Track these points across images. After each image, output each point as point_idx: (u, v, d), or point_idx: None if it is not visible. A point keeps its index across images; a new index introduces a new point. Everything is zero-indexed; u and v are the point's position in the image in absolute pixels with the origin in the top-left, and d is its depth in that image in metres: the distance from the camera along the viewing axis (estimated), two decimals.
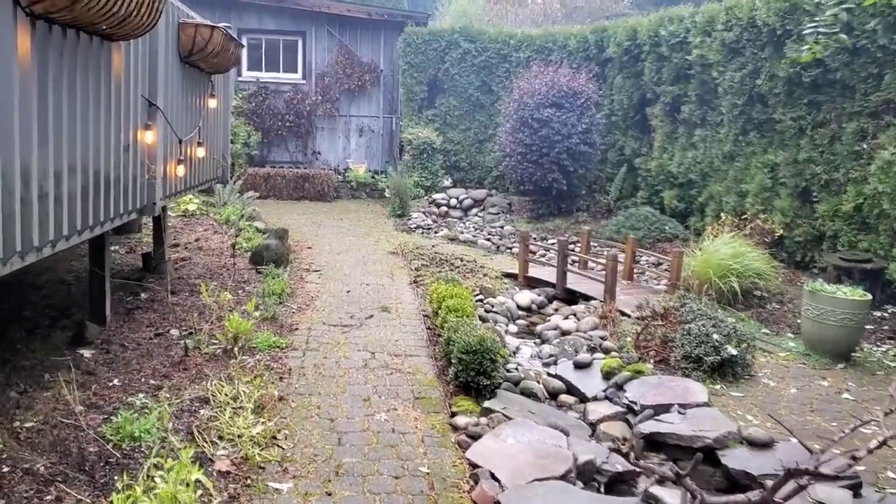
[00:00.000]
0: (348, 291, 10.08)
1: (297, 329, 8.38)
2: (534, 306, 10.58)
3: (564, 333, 9.07)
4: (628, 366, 7.69)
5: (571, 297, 10.87)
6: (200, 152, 8.59)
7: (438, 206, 18.10)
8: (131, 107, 6.21)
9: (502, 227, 15.83)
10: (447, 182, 19.33)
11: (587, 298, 10.59)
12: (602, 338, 8.79)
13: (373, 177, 19.85)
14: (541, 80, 15.76)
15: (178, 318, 8.26)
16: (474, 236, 14.94)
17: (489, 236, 15.25)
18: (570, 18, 33.27)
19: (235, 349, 7.34)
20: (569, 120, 15.39)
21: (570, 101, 15.58)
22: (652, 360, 8.23)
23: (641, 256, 12.69)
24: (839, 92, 11.14)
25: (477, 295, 10.40)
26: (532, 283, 11.53)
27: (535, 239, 14.85)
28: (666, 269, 12.54)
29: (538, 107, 15.43)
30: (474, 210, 18.07)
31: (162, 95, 6.88)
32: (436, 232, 15.29)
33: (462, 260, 12.65)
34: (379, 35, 20.32)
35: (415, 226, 15.68)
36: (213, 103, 9.27)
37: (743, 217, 12.52)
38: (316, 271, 11.14)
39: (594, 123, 15.87)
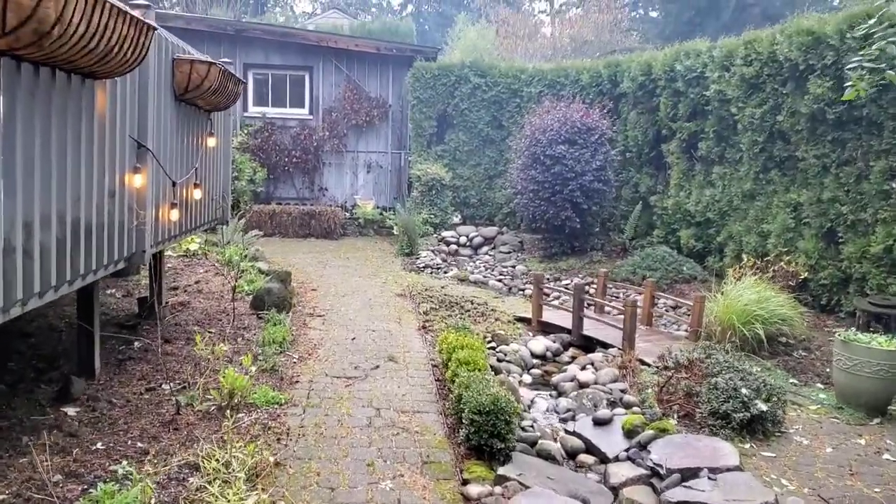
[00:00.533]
0: (353, 339, 9.58)
1: (297, 381, 7.87)
2: (549, 354, 10.06)
3: (582, 385, 8.53)
4: (652, 423, 7.15)
5: (588, 344, 10.35)
6: (197, 194, 8.16)
7: (448, 244, 17.64)
8: (118, 149, 5.78)
9: (514, 267, 15.35)
10: (456, 219, 18.90)
11: (605, 346, 10.07)
12: (622, 390, 8.26)
13: (381, 213, 19.44)
14: (553, 116, 15.36)
15: (171, 371, 7.77)
16: (485, 277, 14.45)
17: (500, 277, 14.77)
18: (579, 52, 33.20)
19: (231, 406, 6.84)
20: (582, 157, 14.96)
21: (584, 137, 15.16)
22: (675, 415, 7.70)
23: (659, 299, 12.18)
24: (865, 129, 10.67)
25: (489, 342, 9.90)
26: (546, 328, 11.02)
27: (548, 280, 14.35)
28: (685, 313, 12.03)
29: (551, 143, 15.02)
30: (484, 248, 17.60)
31: (153, 136, 6.45)
32: (445, 272, 14.81)
33: (472, 302, 12.16)
34: (387, 70, 20.02)
35: (423, 265, 15.21)
36: (211, 142, 8.86)
37: (765, 259, 11.99)
38: (320, 316, 10.66)
39: (608, 160, 15.43)
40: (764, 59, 12.43)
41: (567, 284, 13.98)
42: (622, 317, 10.85)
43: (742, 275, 11.45)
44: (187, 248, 13.82)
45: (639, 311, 11.19)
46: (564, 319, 10.99)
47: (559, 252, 15.72)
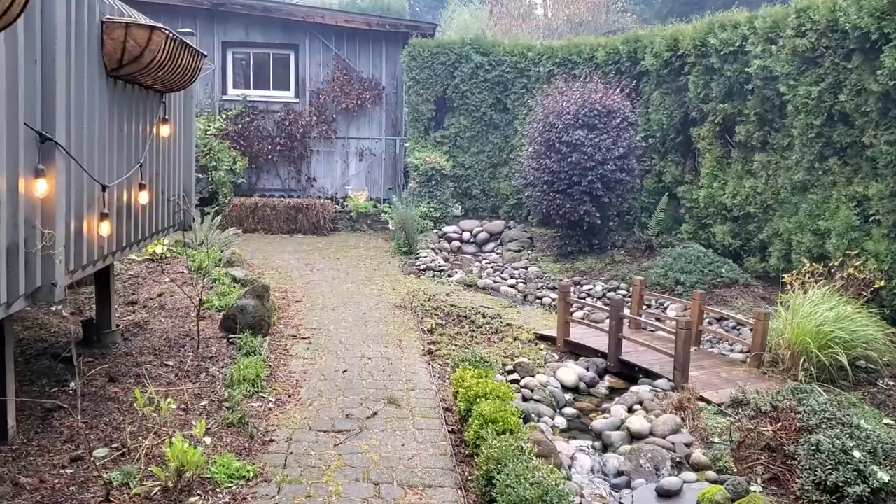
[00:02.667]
0: (345, 371, 7.81)
1: (272, 441, 6.11)
2: (582, 384, 8.32)
3: (635, 437, 6.79)
4: (738, 502, 5.41)
5: (628, 372, 8.61)
6: (143, 197, 6.35)
7: (450, 240, 15.88)
8: (4, 144, 3.99)
9: (526, 269, 13.57)
10: (457, 210, 17.12)
11: (650, 375, 8.33)
12: (688, 444, 6.53)
13: (374, 206, 17.65)
14: (569, 97, 13.56)
15: (109, 427, 6.01)
16: (495, 282, 12.68)
17: (512, 280, 12.99)
18: (575, 33, 31.79)
19: (179, 488, 5.08)
20: (603, 143, 13.17)
21: (604, 121, 13.37)
22: (760, 479, 5.98)
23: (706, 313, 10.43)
24: None
25: (509, 371, 8.15)
26: (574, 349, 9.29)
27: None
28: (735, 327, 10.30)
29: (567, 128, 13.22)
30: (490, 245, 15.83)
31: (67, 124, 4.65)
32: (449, 275, 13.04)
33: (484, 315, 10.40)
34: (380, 48, 18.16)
35: (424, 266, 13.43)
36: (165, 130, 7.05)
37: (826, 263, 10.25)
38: (304, 339, 8.88)
39: (632, 147, 13.64)
40: (821, 29, 10.65)
41: (589, 290, 12.23)
42: (663, 334, 9.14)
43: (803, 282, 9.72)
44: (153, 252, 12.01)
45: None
46: (595, 338, 9.25)
47: (576, 250, 13.96)
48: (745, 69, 12.21)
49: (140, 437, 5.70)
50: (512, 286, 12.40)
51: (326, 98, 17.86)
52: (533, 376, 8.01)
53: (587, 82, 14.04)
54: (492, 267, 13.92)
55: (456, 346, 8.93)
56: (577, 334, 9.38)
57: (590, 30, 32.07)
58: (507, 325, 10.13)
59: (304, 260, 13.76)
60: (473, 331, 9.68)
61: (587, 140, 13.11)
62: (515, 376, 7.98)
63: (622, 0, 38.24)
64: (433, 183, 16.38)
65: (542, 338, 9.64)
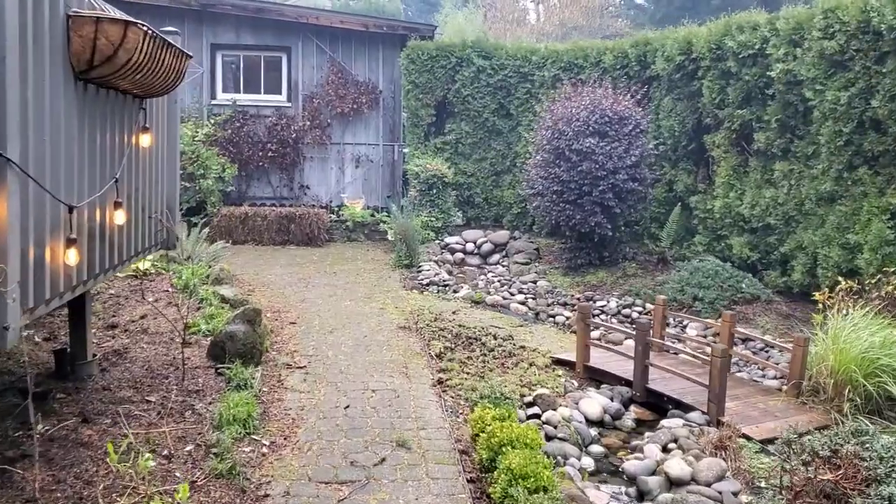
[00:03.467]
0: (347, 407, 7.06)
1: (267, 496, 5.35)
2: (607, 417, 7.60)
3: (674, 483, 6.05)
4: None
5: (656, 401, 7.89)
6: (119, 217, 5.60)
7: (453, 251, 15.14)
8: None
9: (535, 283, 12.84)
10: (459, 220, 16.38)
11: (681, 406, 7.62)
12: (735, 493, 5.81)
13: (372, 215, 16.90)
14: (580, 103, 12.85)
15: (81, 479, 5.25)
16: (504, 299, 11.94)
17: (522, 296, 12.26)
18: (568, 37, 31.36)
19: None
20: (615, 151, 12.46)
21: (616, 128, 12.66)
22: None
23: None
24: None
25: (529, 405, 7.41)
26: (595, 375, 8.57)
27: (580, 300, 11.89)
28: (763, 349, 9.60)
29: (578, 135, 12.50)
30: (495, 256, 15.10)
31: (20, 136, 3.90)
32: (455, 290, 12.29)
33: (496, 337, 9.67)
34: (377, 50, 17.42)
35: (427, 281, 12.69)
36: (146, 140, 6.29)
37: (858, 279, 9.55)
38: (300, 368, 8.13)
39: (644, 155, 12.94)
40: (851, 31, 9.99)
41: (603, 306, 11.51)
42: (688, 357, 8.43)
43: (836, 302, 9.02)
44: (136, 268, 11.23)
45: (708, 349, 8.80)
46: (618, 363, 8.53)
47: (585, 263, 13.24)
48: (766, 73, 11.55)
49: (115, 495, 4.94)
50: (522, 303, 11.67)
51: (320, 102, 17.11)
52: (555, 409, 7.28)
53: (596, 87, 13.32)
54: (499, 281, 13.18)
55: (468, 373, 8.19)
56: (598, 359, 8.65)
57: (583, 34, 31.70)
58: (521, 347, 9.40)
59: (298, 274, 13.00)
60: (485, 355, 8.95)
61: (598, 148, 12.40)
62: (536, 410, 7.24)
63: (615, 5, 37.99)
64: (434, 191, 15.64)
65: (560, 362, 8.91)
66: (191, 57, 6.26)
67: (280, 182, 17.35)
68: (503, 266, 14.51)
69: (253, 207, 16.23)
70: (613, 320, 11.14)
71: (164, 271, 11.52)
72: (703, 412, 7.29)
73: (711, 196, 13.07)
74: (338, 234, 16.54)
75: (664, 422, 7.28)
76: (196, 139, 15.95)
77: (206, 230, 13.20)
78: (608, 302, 11.57)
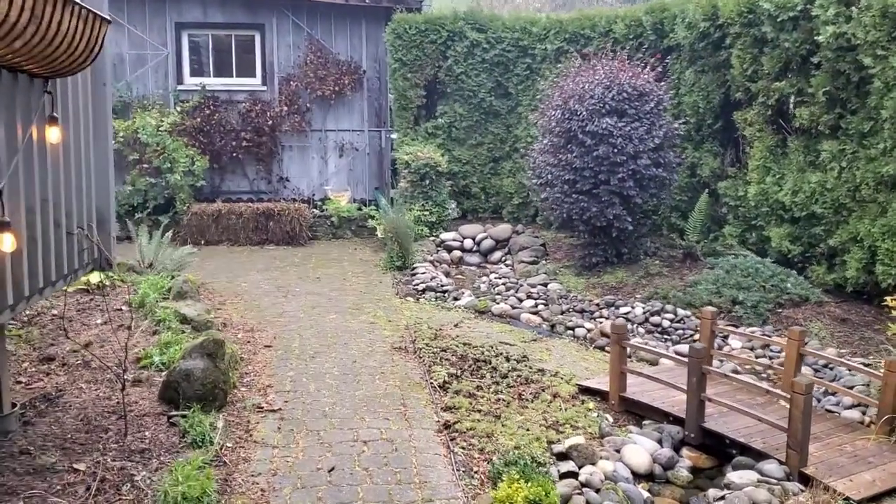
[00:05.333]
0: (331, 470, 5.50)
1: None
2: (657, 468, 6.07)
3: None
4: None
5: (713, 443, 6.36)
6: (5, 243, 3.99)
7: (449, 249, 13.58)
8: None
9: (545, 286, 11.28)
10: (454, 212, 14.80)
11: (747, 451, 6.08)
12: None
13: (359, 209, 15.30)
14: (593, 77, 11.26)
15: None
16: (513, 307, 10.35)
17: (532, 302, 10.68)
18: (560, 9, 29.73)
19: None
20: (635, 133, 10.89)
21: (636, 105, 11.10)
22: None
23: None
24: None
25: (561, 457, 5.86)
26: (634, 408, 7.03)
27: (598, 306, 10.34)
28: (826, 366, 8.08)
29: (592, 115, 10.91)
30: (497, 254, 13.55)
31: None
32: (455, 298, 10.71)
33: (508, 358, 8.12)
34: (359, 25, 15.76)
35: (423, 286, 11.12)
36: (54, 135, 4.68)
37: None
38: (275, 410, 6.55)
39: (668, 136, 11.37)
40: None
41: (627, 313, 9.97)
42: (738, 381, 6.93)
43: None
44: (87, 281, 9.63)
45: (766, 366, 7.33)
46: (661, 393, 6.99)
47: (602, 261, 11.69)
48: (811, 38, 9.97)
49: None
50: (534, 311, 10.07)
51: (298, 85, 15.46)
52: (594, 464, 5.74)
53: (611, 59, 11.71)
54: (503, 284, 11.60)
55: (480, 411, 6.64)
56: (636, 387, 7.10)
57: (571, 5, 30.10)
58: (539, 370, 7.85)
59: (277, 281, 11.41)
60: (497, 383, 7.40)
61: (616, 129, 10.82)
62: (571, 465, 5.69)
63: None
64: (427, 182, 14.04)
65: (588, 391, 7.35)
66: (109, 22, 4.64)
67: (257, 174, 15.72)
68: (507, 266, 12.95)
69: (227, 204, 14.60)
70: (640, 329, 9.61)
71: (121, 283, 9.94)
72: (780, 461, 5.77)
73: (744, 181, 11.53)
74: (322, 231, 14.94)
75: (732, 476, 5.75)
76: (161, 129, 14.31)
77: (173, 231, 11.64)
78: (633, 308, 10.02)
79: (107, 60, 5.65)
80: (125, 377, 6.77)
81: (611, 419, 6.86)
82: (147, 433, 5.88)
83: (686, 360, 6.36)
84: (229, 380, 6.78)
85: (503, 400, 6.98)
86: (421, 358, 7.97)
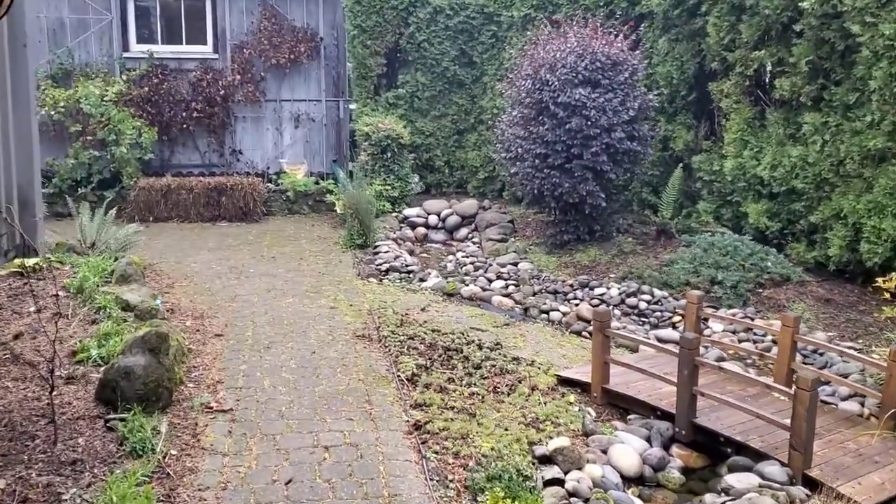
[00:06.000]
0: (288, 482, 4.90)
1: None
2: (647, 469, 5.57)
3: None
4: None
5: (707, 440, 5.88)
6: None
7: (413, 226, 12.99)
8: None
9: (515, 266, 10.73)
10: (416, 186, 14.16)
11: (743, 449, 5.61)
12: None
13: (316, 182, 14.60)
14: (565, 45, 10.66)
15: None
16: (483, 289, 9.76)
17: (502, 283, 10.13)
18: None
19: None
20: (609, 104, 10.35)
21: (609, 75, 10.54)
22: None
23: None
24: None
25: (544, 461, 5.33)
26: (617, 401, 6.53)
27: (570, 287, 9.82)
28: (815, 351, 7.67)
29: (565, 85, 10.34)
30: (463, 231, 12.98)
31: None
32: (421, 279, 10.11)
33: (481, 346, 7.56)
34: None
35: (386, 266, 10.51)
36: None
37: None
38: (225, 412, 5.92)
39: (643, 108, 10.85)
40: None
41: (602, 295, 9.47)
42: (732, 371, 6.48)
43: None
44: (22, 264, 8.85)
45: (764, 356, 6.90)
46: (646, 385, 6.50)
47: (573, 239, 11.18)
48: (795, 5, 9.47)
49: None
50: (505, 294, 9.50)
51: (252, 52, 14.63)
52: (581, 468, 5.22)
53: (582, 27, 11.12)
54: (472, 263, 11.03)
55: (453, 408, 6.08)
56: (619, 378, 6.59)
57: None
58: (514, 359, 7.31)
59: (230, 261, 10.72)
60: (470, 374, 6.84)
61: (590, 101, 10.26)
62: (556, 471, 5.16)
63: None
64: (389, 155, 13.37)
65: (568, 382, 6.84)
66: None
67: (209, 147, 14.91)
68: (474, 243, 12.39)
69: (177, 178, 13.80)
70: (616, 311, 9.11)
71: (59, 265, 9.18)
72: (782, 462, 5.31)
73: (719, 155, 11.07)
74: (277, 207, 14.22)
75: (730, 479, 5.27)
76: (105, 99, 13.41)
77: (119, 208, 10.89)
78: (608, 289, 9.52)
79: (26, 16, 4.92)
80: (58, 374, 6.13)
81: (594, 413, 6.36)
82: (80, 440, 5.23)
83: (677, 350, 5.85)
84: (175, 376, 6.13)
85: (477, 394, 6.43)
86: (387, 347, 7.38)
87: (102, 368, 6.08)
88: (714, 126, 11.55)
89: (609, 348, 6.50)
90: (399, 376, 6.68)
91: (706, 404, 6.04)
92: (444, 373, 6.84)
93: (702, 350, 7.32)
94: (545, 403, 6.32)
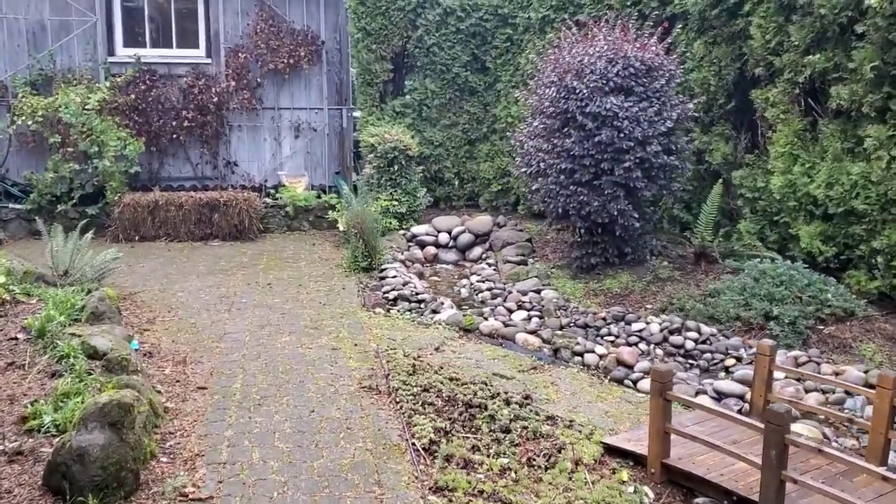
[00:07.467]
0: None
1: None
2: None
3: None
4: None
5: None
6: None
7: (422, 245, 11.94)
8: None
9: (539, 293, 9.62)
10: (424, 199, 13.06)
11: None
12: None
13: (318, 196, 13.53)
14: (593, 48, 9.57)
15: None
16: (506, 324, 8.61)
17: (525, 314, 8.99)
18: None
19: None
20: (643, 114, 9.25)
21: (644, 82, 9.46)
22: None
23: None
24: None
25: None
26: (680, 479, 5.39)
27: (604, 320, 8.69)
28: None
29: (594, 93, 9.24)
30: (477, 250, 11.89)
31: None
32: (434, 310, 8.99)
33: (508, 401, 6.44)
34: None
35: (394, 294, 9.42)
36: None
37: None
38: (203, 501, 4.81)
39: (681, 118, 9.76)
40: None
41: (640, 331, 8.35)
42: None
43: None
44: None
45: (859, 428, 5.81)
46: (715, 460, 5.36)
47: (601, 262, 10.08)
48: (857, 3, 8.37)
49: None
50: (531, 331, 8.33)
51: (248, 57, 13.55)
52: None
53: (612, 28, 10.03)
54: (488, 290, 9.94)
55: (482, 492, 4.98)
56: (682, 449, 5.47)
57: None
58: (548, 418, 6.20)
59: (220, 289, 9.63)
60: (499, 441, 5.74)
61: (622, 110, 9.16)
62: None
63: None
64: (396, 168, 12.30)
65: (615, 451, 5.72)
66: None
67: (201, 158, 13.84)
68: (489, 265, 11.27)
69: (166, 193, 12.73)
70: (658, 351, 8.01)
71: (25, 298, 8.10)
72: None
73: (764, 171, 9.95)
74: (275, 224, 13.14)
75: None
76: (88, 107, 12.33)
77: (101, 226, 9.83)
78: (647, 324, 8.41)
79: None
80: (1, 448, 5.03)
81: (651, 495, 5.25)
82: None
83: (762, 426, 4.74)
84: (143, 452, 5.03)
85: (510, 469, 5.33)
86: (398, 403, 6.28)
87: (55, 443, 4.97)
88: (756, 138, 10.44)
89: (670, 415, 5.38)
90: (413, 444, 5.57)
91: (794, 486, 4.91)
92: (468, 438, 5.74)
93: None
94: (593, 483, 5.22)
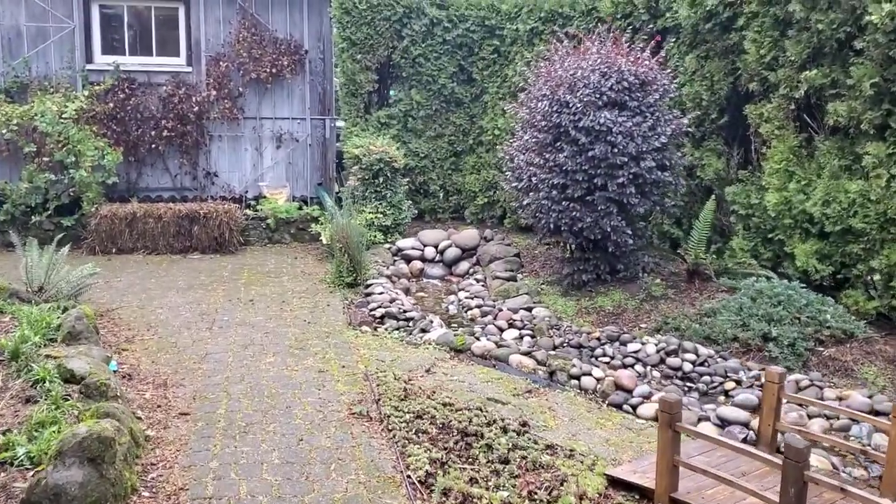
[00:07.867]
0: None
1: None
2: None
3: None
4: None
5: None
6: None
7: (408, 259, 11.67)
8: None
9: (530, 312, 9.38)
10: (409, 212, 12.78)
11: None
12: None
13: (300, 208, 13.23)
14: (585, 63, 9.37)
15: None
16: (499, 344, 8.34)
17: (517, 332, 8.77)
18: None
19: None
20: (637, 129, 9.06)
21: (638, 96, 9.27)
22: None
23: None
24: None
25: None
26: None
27: (598, 340, 8.47)
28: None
29: (587, 108, 9.03)
30: (464, 265, 11.64)
31: None
32: (423, 329, 8.72)
33: (505, 428, 6.17)
34: None
35: (381, 311, 9.15)
36: None
37: None
38: None
39: (676, 133, 9.59)
40: None
41: (636, 352, 8.14)
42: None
43: None
44: None
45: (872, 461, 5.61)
46: (723, 492, 5.14)
47: (593, 279, 9.86)
48: (856, 21, 8.24)
49: None
50: (525, 352, 8.07)
51: (230, 65, 13.26)
52: None
53: (604, 41, 9.84)
54: (478, 307, 9.70)
55: None
56: (690, 482, 5.23)
57: None
58: (548, 447, 5.95)
59: (201, 305, 9.31)
60: (497, 472, 5.48)
61: (616, 125, 8.96)
62: None
63: None
64: (381, 180, 12.04)
65: (620, 484, 5.48)
66: None
67: (181, 169, 13.50)
68: (477, 281, 11.03)
69: (145, 204, 12.38)
70: (655, 373, 7.80)
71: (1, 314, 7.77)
72: None
73: (758, 187, 9.79)
74: (255, 236, 12.82)
75: None
76: (64, 116, 11.97)
77: (78, 238, 9.46)
78: (643, 345, 8.19)
79: None
80: None
81: None
82: None
83: (778, 461, 4.52)
84: (124, 487, 4.72)
85: (509, 499, 5.06)
86: (390, 430, 6.01)
87: (30, 478, 4.66)
88: (749, 154, 10.28)
89: (679, 447, 5.14)
90: (409, 476, 5.30)
91: None
92: (465, 469, 5.47)
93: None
94: None
